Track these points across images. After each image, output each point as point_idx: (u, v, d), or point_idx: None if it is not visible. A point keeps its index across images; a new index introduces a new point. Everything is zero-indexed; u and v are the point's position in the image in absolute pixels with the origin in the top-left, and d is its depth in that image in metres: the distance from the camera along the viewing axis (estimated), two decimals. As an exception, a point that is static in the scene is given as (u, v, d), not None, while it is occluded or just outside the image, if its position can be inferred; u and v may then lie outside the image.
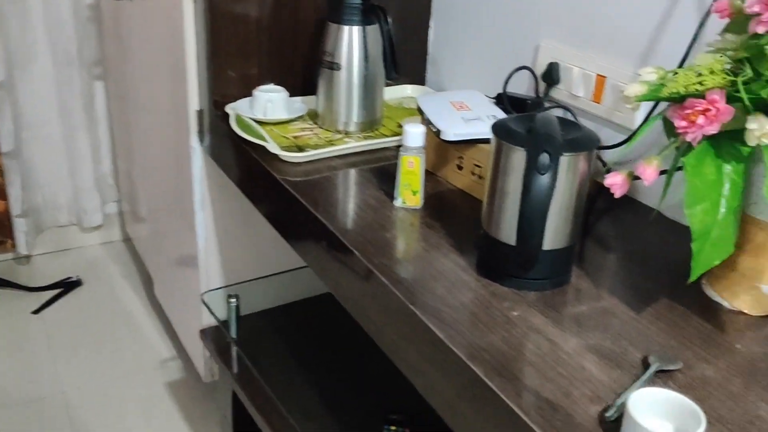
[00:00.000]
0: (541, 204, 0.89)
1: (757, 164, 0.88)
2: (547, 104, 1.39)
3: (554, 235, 0.95)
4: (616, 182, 0.94)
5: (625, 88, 1.25)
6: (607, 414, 0.77)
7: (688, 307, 0.98)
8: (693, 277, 0.86)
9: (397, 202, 1.21)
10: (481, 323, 0.92)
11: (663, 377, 0.84)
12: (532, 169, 0.89)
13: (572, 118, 1.36)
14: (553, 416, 0.78)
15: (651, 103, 1.03)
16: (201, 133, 1.62)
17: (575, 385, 0.82)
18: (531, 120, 0.97)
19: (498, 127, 0.98)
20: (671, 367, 0.85)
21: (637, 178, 0.94)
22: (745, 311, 0.98)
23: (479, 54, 1.61)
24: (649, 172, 0.89)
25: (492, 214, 1.00)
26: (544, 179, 0.88)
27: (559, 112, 1.38)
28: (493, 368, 0.85)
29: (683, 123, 0.86)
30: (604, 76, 1.31)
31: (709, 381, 0.84)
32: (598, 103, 1.33)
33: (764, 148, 0.81)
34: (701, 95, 0.85)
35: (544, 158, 0.88)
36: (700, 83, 0.85)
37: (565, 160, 0.91)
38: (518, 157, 0.93)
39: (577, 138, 0.94)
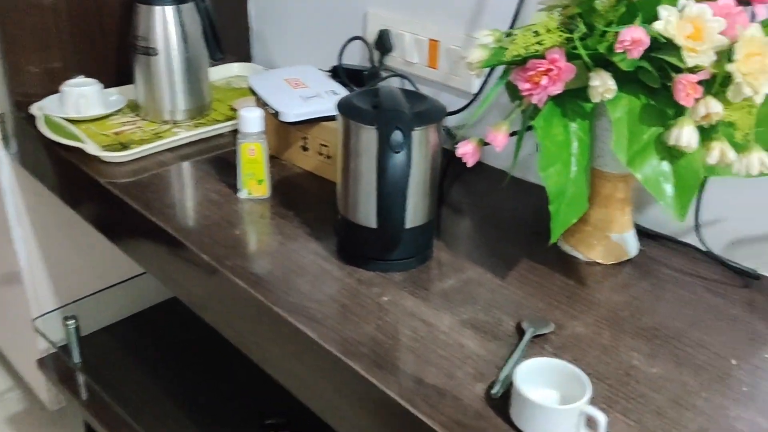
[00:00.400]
0: (400, 183, 0.85)
1: (599, 119, 0.89)
2: (383, 73, 1.35)
3: (414, 212, 0.92)
4: (467, 151, 0.92)
5: (458, 51, 1.25)
6: (493, 391, 0.76)
7: (548, 266, 0.99)
8: (554, 239, 0.86)
9: (242, 194, 1.13)
10: (352, 315, 0.88)
11: (539, 342, 0.84)
12: (385, 148, 0.84)
13: (411, 86, 1.33)
14: (440, 402, 0.75)
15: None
16: (5, 139, 1.42)
17: (457, 365, 0.80)
18: (375, 95, 0.92)
19: (344, 106, 0.92)
20: (545, 331, 0.85)
21: (486, 144, 0.92)
22: (599, 261, 1.00)
23: (306, 26, 1.53)
24: (500, 138, 0.88)
25: (348, 197, 0.95)
26: (399, 158, 0.84)
27: (396, 81, 1.35)
28: (371, 361, 0.80)
29: (527, 85, 0.85)
30: (437, 41, 1.29)
31: (581, 338, 0.85)
32: (435, 68, 1.31)
33: (607, 104, 0.82)
34: (542, 56, 0.84)
35: (397, 136, 0.84)
36: (539, 43, 0.84)
37: (416, 134, 0.87)
38: (369, 136, 0.89)
39: (425, 110, 0.91)
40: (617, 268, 1.00)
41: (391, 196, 0.85)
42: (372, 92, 0.94)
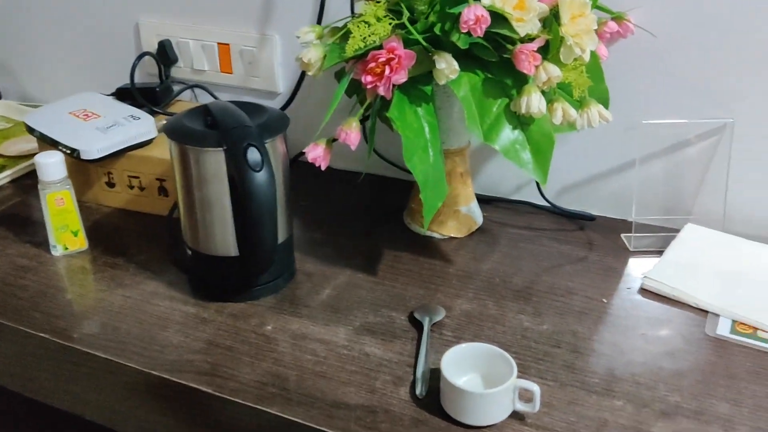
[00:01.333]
0: (267, 204, 0.78)
1: (438, 99, 0.90)
2: (176, 87, 1.24)
3: (279, 229, 0.86)
4: (318, 155, 0.88)
5: (253, 51, 1.19)
6: (418, 392, 0.74)
7: (411, 252, 0.99)
8: (426, 225, 0.86)
9: (57, 251, 0.97)
10: (242, 355, 0.80)
11: (436, 329, 0.84)
12: (244, 169, 0.77)
13: (211, 97, 1.24)
14: (374, 421, 0.71)
15: (295, 65, 0.97)
16: None
17: (372, 377, 0.77)
18: (207, 113, 0.84)
19: (175, 131, 0.83)
20: (440, 318, 0.85)
21: (334, 141, 0.89)
22: (454, 235, 1.03)
23: (66, 49, 1.36)
24: (354, 135, 0.85)
25: (198, 229, 0.86)
26: (261, 176, 0.77)
27: (193, 93, 1.25)
28: (285, 400, 0.74)
29: (370, 78, 0.83)
30: (227, 44, 1.22)
31: (471, 315, 0.86)
32: (229, 72, 1.24)
33: (450, 84, 0.83)
34: (380, 46, 0.82)
35: (254, 154, 0.77)
36: (374, 33, 0.82)
37: (269, 147, 0.81)
38: (215, 160, 0.80)
39: (267, 121, 0.85)
40: (471, 238, 1.03)
41: (260, 219, 0.79)
42: (200, 111, 0.86)
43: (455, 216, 1.02)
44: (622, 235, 1.02)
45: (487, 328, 0.84)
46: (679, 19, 0.93)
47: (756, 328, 0.83)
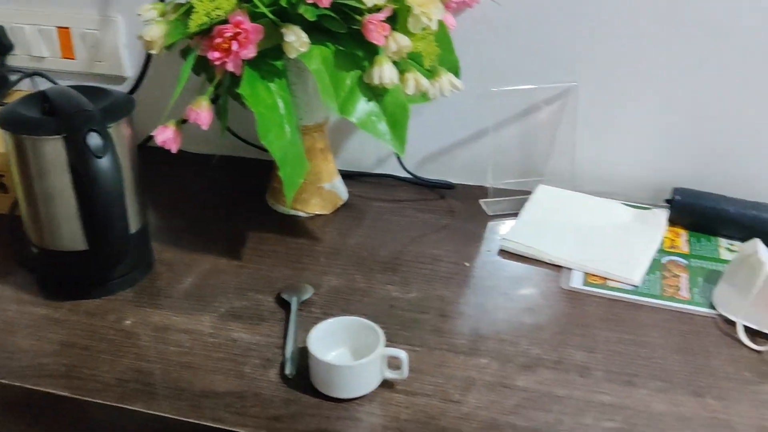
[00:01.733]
0: (114, 191, 0.74)
1: (291, 74, 0.88)
2: (12, 76, 1.15)
3: (130, 219, 0.82)
4: (167, 137, 0.84)
5: (96, 34, 1.12)
6: (287, 372, 0.73)
7: (276, 232, 0.97)
8: (289, 203, 0.85)
9: None
10: (101, 354, 0.76)
11: (305, 308, 0.83)
12: (85, 156, 0.72)
13: (50, 83, 1.16)
14: (244, 406, 0.70)
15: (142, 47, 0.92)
16: None
17: (241, 362, 0.75)
18: (44, 99, 0.78)
19: (7, 120, 0.76)
20: (308, 296, 0.84)
21: (184, 122, 0.85)
22: (319, 212, 1.02)
23: None
24: (205, 115, 0.82)
25: (42, 224, 0.80)
26: (105, 163, 0.73)
27: (33, 82, 1.16)
28: (149, 395, 0.71)
29: (217, 54, 0.80)
30: (67, 28, 1.14)
31: (340, 290, 0.86)
32: (71, 58, 1.16)
33: (301, 58, 0.81)
34: (225, 21, 0.79)
35: (95, 139, 0.73)
36: (218, 7, 0.79)
37: (113, 132, 0.77)
38: (54, 149, 0.75)
39: (111, 104, 0.80)
40: (337, 214, 1.03)
41: (107, 208, 0.74)
42: (37, 97, 0.80)
43: (319, 193, 1.01)
44: (481, 201, 1.05)
45: (356, 302, 0.84)
46: (520, -13, 0.96)
47: (605, 279, 0.88)
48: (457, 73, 0.95)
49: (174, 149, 0.85)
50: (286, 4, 0.80)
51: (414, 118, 1.07)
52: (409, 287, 0.87)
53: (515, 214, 1.00)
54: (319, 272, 0.90)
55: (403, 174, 1.10)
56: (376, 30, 0.79)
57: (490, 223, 1.01)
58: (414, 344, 0.77)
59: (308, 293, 0.85)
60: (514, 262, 0.92)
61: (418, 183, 1.10)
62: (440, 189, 1.10)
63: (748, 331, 0.78)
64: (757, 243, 0.83)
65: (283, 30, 0.79)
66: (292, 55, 0.80)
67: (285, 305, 0.83)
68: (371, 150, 1.12)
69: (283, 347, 0.77)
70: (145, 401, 0.70)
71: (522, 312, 0.83)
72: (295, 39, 0.79)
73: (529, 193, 1.04)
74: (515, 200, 1.04)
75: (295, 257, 0.92)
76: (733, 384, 0.72)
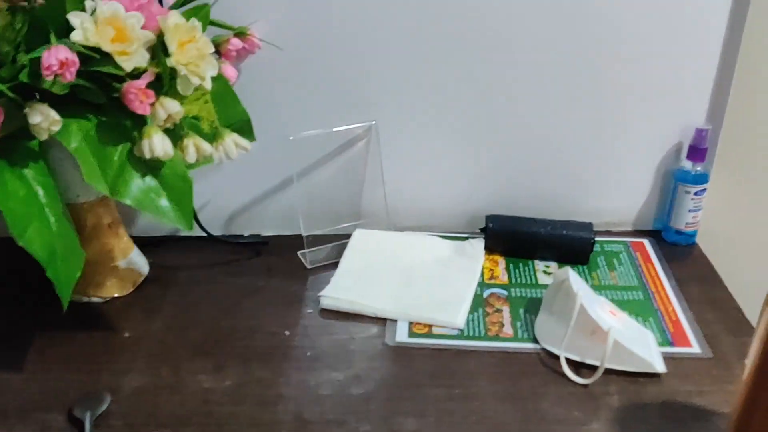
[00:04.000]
0: None
1: (49, 152, 0.76)
2: None
3: None
4: None
5: None
6: None
7: (70, 329, 0.85)
8: (65, 304, 0.73)
9: None
10: None
11: (103, 422, 0.72)
12: None
13: None
14: None
15: None
16: None
17: None
18: None
19: None
20: (104, 408, 0.73)
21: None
22: (117, 294, 0.91)
23: None
24: (-57, 218, 0.68)
25: None
26: None
27: None
28: None
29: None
30: None
31: (144, 390, 0.76)
32: None
33: (58, 137, 0.70)
34: (-48, 106, 0.66)
35: None
36: (-60, 92, 0.66)
37: None
38: None
39: None
40: (139, 292, 0.92)
41: None
42: None
43: (114, 273, 0.90)
44: (299, 253, 0.98)
45: (164, 403, 0.74)
46: (304, 28, 0.90)
47: (430, 326, 0.84)
48: (249, 127, 0.87)
49: None
50: (26, 78, 0.68)
51: (214, 172, 0.99)
52: (223, 373, 0.78)
53: (337, 263, 0.94)
54: (120, 371, 0.79)
55: (214, 232, 1.00)
56: (137, 99, 0.69)
57: (311, 277, 0.95)
58: (231, 444, 0.69)
59: (105, 403, 0.74)
60: (337, 322, 0.86)
61: (229, 242, 1.02)
62: (254, 246, 1.02)
63: (571, 363, 0.77)
64: (568, 271, 0.82)
65: (27, 110, 0.68)
66: (43, 137, 0.69)
67: (78, 423, 0.72)
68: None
69: (77, 479, 0.66)
70: None
71: (348, 382, 0.77)
72: (43, 119, 0.68)
73: (348, 237, 0.98)
74: (335, 247, 0.98)
75: (89, 356, 0.81)
76: (564, 427, 0.70)
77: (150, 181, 0.74)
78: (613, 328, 0.75)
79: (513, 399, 0.73)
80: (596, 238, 0.95)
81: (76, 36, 0.68)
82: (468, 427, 0.70)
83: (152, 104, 0.71)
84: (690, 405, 0.72)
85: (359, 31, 0.90)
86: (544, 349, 0.80)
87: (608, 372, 0.75)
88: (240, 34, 0.86)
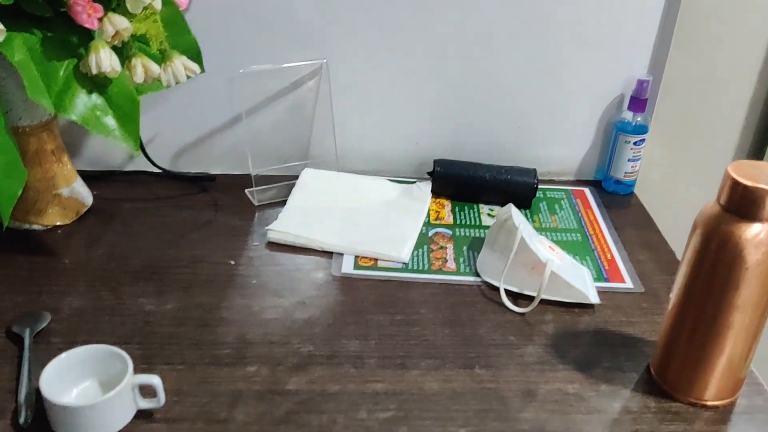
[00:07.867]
0: None
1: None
2: None
3: None
4: None
5: None
6: (21, 420, 0.62)
7: (6, 252, 0.84)
8: (6, 220, 0.72)
9: None
10: None
11: (43, 339, 0.71)
12: None
13: None
14: (-37, 473, 0.58)
15: None
16: None
17: (-41, 418, 0.63)
18: None
19: None
20: (43, 325, 0.72)
21: None
22: (59, 223, 0.90)
23: None
24: None
25: None
26: None
27: None
28: None
29: None
30: None
31: (84, 311, 0.75)
32: None
33: (1, 48, 0.69)
34: None
35: None
36: None
37: None
38: None
39: None
40: (82, 222, 0.91)
41: None
42: None
43: (56, 201, 0.89)
44: (246, 191, 0.98)
45: (104, 323, 0.74)
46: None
47: (375, 260, 0.85)
48: (198, 56, 0.86)
49: None
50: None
51: (160, 106, 0.97)
52: (165, 297, 0.78)
53: (284, 202, 0.95)
54: (59, 293, 0.78)
55: (158, 169, 0.99)
56: (85, 12, 0.68)
57: (258, 214, 0.95)
58: (174, 362, 0.70)
59: (45, 321, 0.73)
60: (284, 254, 0.87)
61: (176, 177, 1.01)
62: (201, 182, 1.01)
63: (510, 294, 0.80)
64: (510, 208, 0.85)
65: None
66: (-17, 49, 0.67)
67: (18, 340, 0.71)
68: (119, 145, 1.00)
69: (16, 391, 0.65)
70: None
71: (293, 308, 0.78)
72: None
73: (295, 178, 0.99)
74: (282, 187, 0.98)
75: (29, 279, 0.80)
76: (500, 350, 0.72)
77: (96, 98, 0.73)
78: (551, 261, 0.77)
79: (452, 325, 0.76)
80: (539, 186, 0.98)
81: (21, -56, 0.67)
82: (408, 349, 0.72)
83: (100, 19, 0.70)
84: (620, 333, 0.75)
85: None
86: (485, 282, 0.82)
87: (545, 303, 0.78)
88: (192, -39, 0.85)
